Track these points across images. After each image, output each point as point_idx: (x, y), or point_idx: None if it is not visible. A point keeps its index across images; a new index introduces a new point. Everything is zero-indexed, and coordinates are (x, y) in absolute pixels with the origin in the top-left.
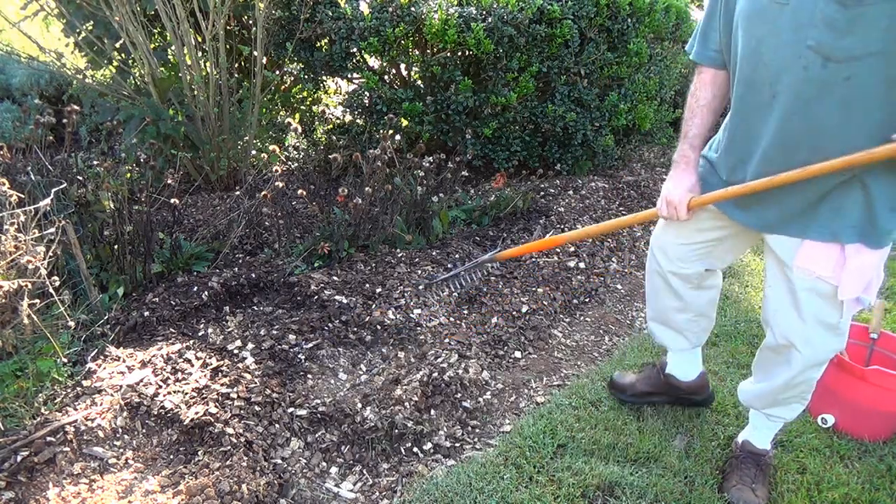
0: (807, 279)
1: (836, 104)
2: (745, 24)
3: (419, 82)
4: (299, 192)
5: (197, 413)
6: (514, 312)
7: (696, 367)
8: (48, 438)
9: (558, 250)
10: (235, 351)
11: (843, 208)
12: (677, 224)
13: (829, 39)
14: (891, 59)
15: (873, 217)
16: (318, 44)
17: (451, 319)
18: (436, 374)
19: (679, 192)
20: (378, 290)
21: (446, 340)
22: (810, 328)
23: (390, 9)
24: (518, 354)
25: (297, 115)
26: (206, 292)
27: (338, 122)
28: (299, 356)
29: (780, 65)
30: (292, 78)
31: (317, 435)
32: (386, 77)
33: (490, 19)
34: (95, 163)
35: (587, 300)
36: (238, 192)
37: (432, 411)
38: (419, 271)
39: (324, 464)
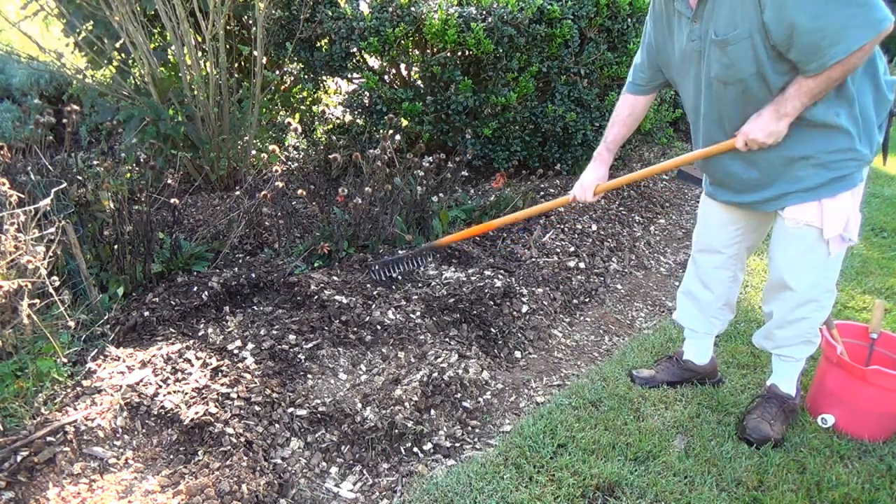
0: (797, 227)
1: (741, 111)
2: (681, 68)
3: (419, 82)
4: (299, 192)
5: (197, 413)
6: (515, 312)
7: (710, 352)
8: (48, 438)
9: (558, 250)
10: (235, 351)
11: (800, 179)
12: (711, 223)
13: (721, 70)
14: (763, 76)
15: (821, 179)
16: (318, 44)
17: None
18: (436, 374)
19: (590, 180)
20: (378, 290)
21: (446, 340)
22: (801, 265)
23: (390, 9)
24: (518, 354)
25: (297, 115)
26: (206, 292)
27: (338, 122)
28: (299, 356)
29: (708, 91)
30: (292, 78)
31: (317, 435)
32: (386, 77)
33: (490, 19)
34: (95, 163)
35: (587, 300)
36: (238, 192)
37: (432, 411)
38: (420, 269)
39: (324, 464)
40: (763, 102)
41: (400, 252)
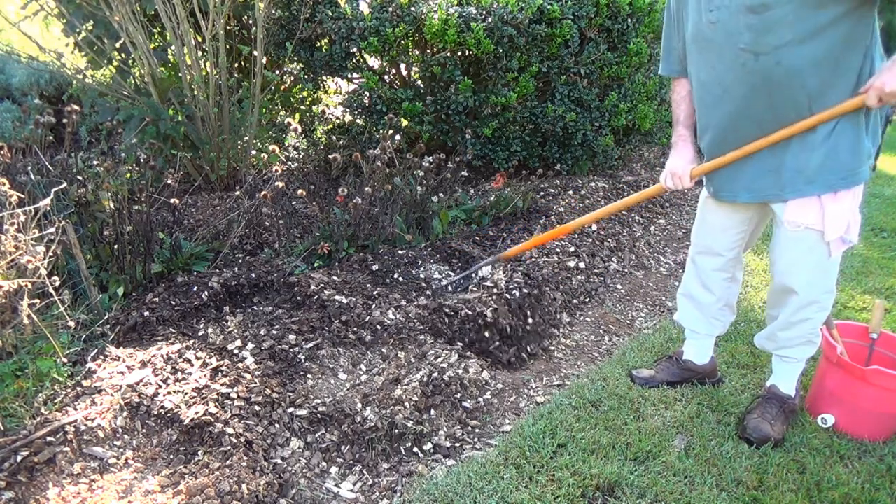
0: (797, 230)
1: (774, 86)
2: (692, 43)
3: (419, 82)
4: (299, 192)
5: (197, 413)
6: None
7: (710, 352)
8: (48, 438)
9: (558, 250)
10: (235, 351)
11: (801, 168)
12: (713, 227)
13: (753, 40)
14: (803, 43)
15: (826, 169)
16: (318, 44)
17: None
18: (436, 374)
19: (682, 164)
20: (378, 289)
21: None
22: (802, 268)
23: (390, 9)
24: None
25: (297, 115)
26: (206, 292)
27: (338, 122)
28: (299, 356)
29: (724, 67)
30: (292, 78)
31: (317, 435)
32: (386, 77)
33: (490, 19)
34: (95, 163)
35: (587, 300)
36: (238, 192)
37: (432, 411)
38: (420, 271)
39: (324, 464)
40: (798, 77)
41: (461, 272)
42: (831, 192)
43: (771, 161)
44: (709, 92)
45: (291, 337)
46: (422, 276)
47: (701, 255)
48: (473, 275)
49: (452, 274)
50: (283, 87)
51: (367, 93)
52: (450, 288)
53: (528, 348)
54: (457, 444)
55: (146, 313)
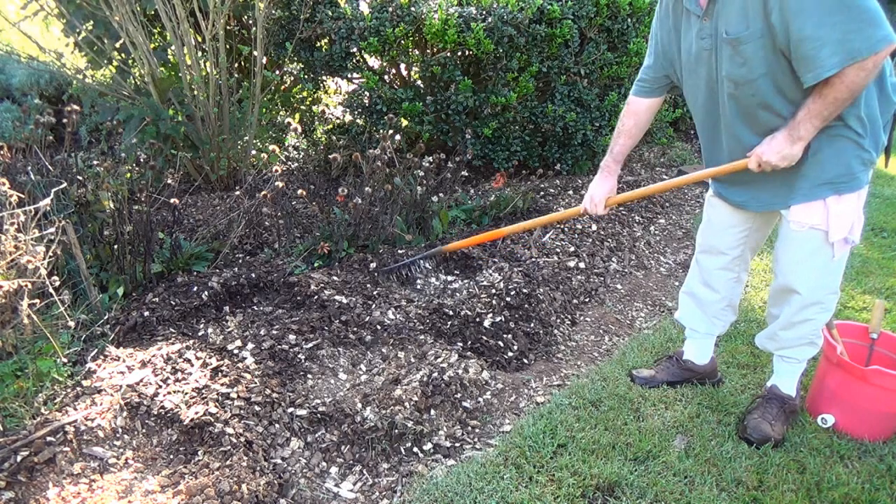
0: (802, 230)
1: (753, 113)
2: (688, 68)
3: (419, 82)
4: (299, 192)
5: (197, 413)
6: None
7: (710, 352)
8: (48, 438)
9: (558, 250)
10: (235, 351)
11: (805, 175)
12: (716, 225)
13: (732, 70)
14: (774, 77)
15: (829, 175)
16: (318, 44)
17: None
18: (436, 374)
19: (600, 194)
20: (378, 290)
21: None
22: (806, 268)
23: (390, 9)
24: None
25: (297, 115)
26: (206, 292)
27: (338, 122)
28: (299, 356)
29: (714, 93)
30: (292, 78)
31: (317, 435)
32: (386, 77)
33: (490, 19)
34: (95, 163)
35: (587, 300)
36: (238, 192)
37: (432, 411)
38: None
39: (324, 464)
40: (774, 106)
41: (405, 258)
42: (836, 195)
43: (775, 173)
44: (706, 114)
45: (291, 337)
46: (421, 275)
47: (704, 253)
48: (417, 263)
49: (452, 276)
50: (283, 87)
51: (367, 93)
52: (410, 270)
53: (528, 348)
54: (457, 444)
55: (146, 313)
